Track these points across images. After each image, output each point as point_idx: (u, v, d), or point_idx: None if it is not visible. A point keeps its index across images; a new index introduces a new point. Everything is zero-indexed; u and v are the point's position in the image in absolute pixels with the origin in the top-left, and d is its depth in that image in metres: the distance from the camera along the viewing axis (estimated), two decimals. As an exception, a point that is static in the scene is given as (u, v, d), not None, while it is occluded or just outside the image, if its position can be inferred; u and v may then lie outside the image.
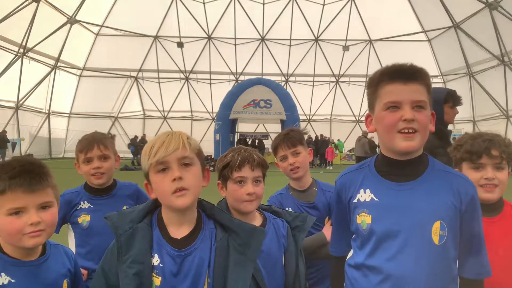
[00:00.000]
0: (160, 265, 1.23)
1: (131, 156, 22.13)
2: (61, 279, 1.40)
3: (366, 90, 1.42)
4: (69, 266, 1.47)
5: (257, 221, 1.67)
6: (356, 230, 1.41)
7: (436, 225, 1.26)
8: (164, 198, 1.27)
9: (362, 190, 1.39)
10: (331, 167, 21.69)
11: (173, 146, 1.25)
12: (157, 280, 1.22)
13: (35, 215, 1.29)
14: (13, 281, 1.28)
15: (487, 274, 1.34)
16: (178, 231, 1.29)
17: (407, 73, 1.29)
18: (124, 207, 2.08)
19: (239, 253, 1.29)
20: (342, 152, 25.41)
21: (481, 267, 1.34)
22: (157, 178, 1.26)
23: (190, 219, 1.31)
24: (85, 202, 2.11)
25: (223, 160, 1.69)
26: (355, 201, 1.40)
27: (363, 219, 1.36)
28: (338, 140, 26.51)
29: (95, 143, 2.09)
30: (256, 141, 26.34)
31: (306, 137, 2.32)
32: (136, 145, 22.01)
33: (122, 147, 23.14)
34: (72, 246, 2.10)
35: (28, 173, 1.30)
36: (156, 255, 1.24)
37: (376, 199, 1.35)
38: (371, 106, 1.39)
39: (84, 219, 2.08)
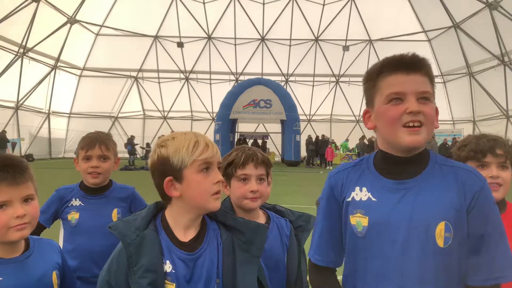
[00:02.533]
0: (173, 271, 1.20)
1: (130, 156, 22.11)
2: (49, 272, 1.40)
3: (363, 85, 1.31)
4: (56, 258, 1.47)
5: (260, 220, 1.67)
6: (349, 235, 1.26)
7: (441, 226, 1.14)
8: (201, 198, 1.23)
9: (357, 188, 1.26)
10: (331, 167, 21.69)
11: (216, 149, 1.26)
12: (170, 287, 1.19)
13: (21, 208, 1.29)
14: (0, 279, 1.28)
15: (505, 278, 1.14)
16: (185, 234, 1.26)
17: (409, 63, 1.19)
18: (115, 210, 2.10)
19: (244, 251, 1.29)
20: (350, 152, 25.36)
21: (498, 270, 1.14)
22: (199, 177, 1.22)
23: (198, 222, 1.29)
24: (77, 199, 2.11)
25: (227, 159, 1.69)
26: (349, 199, 1.26)
27: (359, 221, 1.22)
28: (346, 140, 26.42)
29: (97, 142, 2.08)
30: (260, 141, 26.36)
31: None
32: (133, 144, 22.02)
33: (122, 147, 23.16)
34: (61, 242, 2.09)
35: (11, 166, 1.30)
36: (167, 261, 1.20)
37: (373, 199, 1.22)
38: (370, 101, 1.28)
39: (73, 216, 2.07)
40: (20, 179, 1.31)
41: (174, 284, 1.19)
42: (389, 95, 1.19)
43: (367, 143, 22.54)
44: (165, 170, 1.24)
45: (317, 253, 1.33)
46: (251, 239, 1.29)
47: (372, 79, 1.25)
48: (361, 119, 1.38)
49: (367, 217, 1.20)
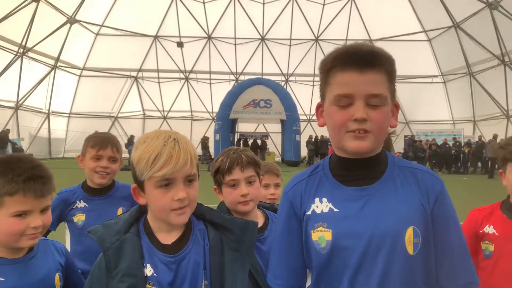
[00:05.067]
0: (154, 274, 1.16)
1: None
2: (52, 274, 1.40)
3: (319, 75, 1.19)
4: (60, 260, 1.46)
5: (259, 220, 1.66)
6: (311, 253, 1.13)
7: (409, 232, 1.05)
8: (161, 214, 1.18)
9: (317, 200, 1.14)
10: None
11: (181, 162, 1.13)
12: None
13: (39, 219, 1.30)
14: (1, 279, 1.27)
15: (476, 282, 1.10)
16: (168, 237, 1.22)
17: (363, 59, 1.05)
18: (120, 209, 2.10)
19: (233, 250, 1.24)
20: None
21: (469, 274, 1.10)
22: (157, 193, 1.16)
23: (180, 224, 1.24)
24: (81, 201, 2.10)
25: (214, 165, 1.67)
26: (309, 213, 1.14)
27: (321, 235, 1.10)
28: None
29: (109, 143, 2.09)
30: (259, 141, 26.35)
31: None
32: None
33: (122, 147, 23.10)
34: (68, 244, 2.10)
35: (41, 178, 1.30)
36: (148, 265, 1.16)
37: (335, 209, 1.11)
38: (322, 94, 1.17)
39: (79, 218, 2.07)
40: (48, 191, 1.32)
41: None
42: (337, 97, 1.08)
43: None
44: (133, 176, 1.22)
45: (276, 277, 1.22)
46: (240, 237, 1.25)
47: (325, 71, 1.14)
48: None
49: (330, 230, 1.10)
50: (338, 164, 1.17)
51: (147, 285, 1.15)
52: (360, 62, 1.05)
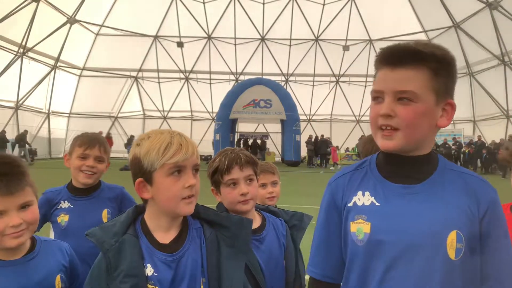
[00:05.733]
0: (155, 274, 1.17)
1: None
2: (52, 275, 1.38)
3: None
4: (63, 261, 1.44)
5: (256, 221, 1.66)
6: (348, 244, 1.14)
7: (452, 236, 1.02)
8: (170, 202, 1.20)
9: (360, 193, 1.15)
10: (338, 167, 21.70)
11: (190, 150, 1.20)
12: None
13: (16, 217, 1.26)
14: None
15: None
16: (166, 236, 1.23)
17: (396, 56, 1.06)
18: (105, 210, 2.08)
19: (229, 246, 1.26)
20: (349, 152, 25.35)
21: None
22: (169, 181, 1.18)
23: (178, 222, 1.26)
24: (66, 201, 2.07)
25: (211, 166, 1.66)
26: (350, 204, 1.15)
27: (360, 227, 1.10)
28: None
29: (97, 143, 2.07)
30: (259, 140, 26.37)
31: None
32: (133, 144, 21.98)
33: (121, 147, 23.15)
34: None
35: (5, 175, 1.25)
36: (148, 265, 1.18)
37: (377, 204, 1.10)
38: None
39: (62, 219, 2.04)
40: (15, 188, 1.26)
41: (157, 287, 1.17)
42: (371, 93, 1.12)
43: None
44: (137, 170, 1.22)
45: (313, 265, 1.22)
46: (236, 233, 1.27)
47: (375, 68, 1.16)
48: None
49: (369, 223, 1.09)
50: (384, 160, 1.16)
51: (148, 285, 1.17)
52: (392, 60, 1.07)
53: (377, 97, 1.10)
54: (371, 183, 1.15)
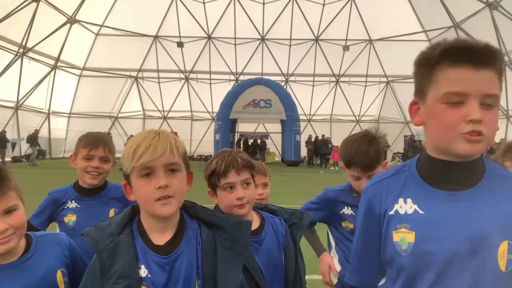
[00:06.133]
0: (149, 275, 1.16)
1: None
2: (52, 272, 1.36)
3: (415, 70, 1.08)
4: (62, 254, 1.42)
5: (255, 222, 1.64)
6: (390, 254, 1.08)
7: (503, 246, 0.96)
8: (146, 205, 1.19)
9: (401, 200, 1.08)
10: (336, 167, 21.69)
11: (160, 150, 1.15)
12: None
13: (1, 223, 1.23)
14: None
15: None
16: (161, 238, 1.21)
17: (481, 55, 0.96)
18: (112, 210, 2.08)
19: (226, 248, 1.24)
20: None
21: None
22: (140, 183, 1.17)
23: (173, 223, 1.24)
24: (73, 201, 2.08)
25: (208, 168, 1.64)
26: (391, 213, 1.08)
27: (403, 237, 1.04)
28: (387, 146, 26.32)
29: (101, 143, 2.06)
30: (259, 140, 26.35)
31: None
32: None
33: (121, 147, 23.08)
34: None
35: None
36: (143, 266, 1.17)
37: (421, 212, 1.04)
38: (421, 91, 1.06)
39: (70, 218, 2.05)
40: None
41: None
42: (448, 94, 0.98)
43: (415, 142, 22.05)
44: (123, 173, 1.24)
45: (351, 272, 1.23)
46: (234, 236, 1.25)
47: (429, 65, 1.02)
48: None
49: (413, 233, 1.03)
50: (429, 165, 1.08)
51: (142, 286, 1.15)
52: (476, 59, 0.97)
53: (456, 100, 0.97)
54: (412, 189, 1.08)
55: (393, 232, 1.07)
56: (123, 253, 1.16)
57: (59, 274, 1.37)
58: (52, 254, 1.40)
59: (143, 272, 1.17)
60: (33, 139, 20.41)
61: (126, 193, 1.24)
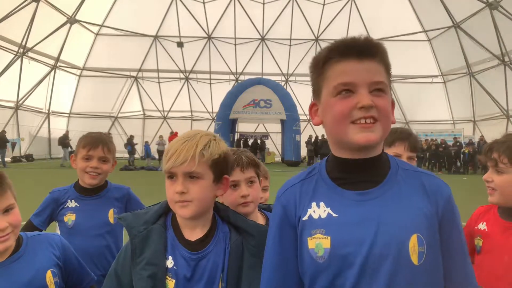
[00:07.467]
0: (174, 267, 1.21)
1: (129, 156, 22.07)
2: (42, 272, 1.36)
3: (310, 74, 1.11)
4: (54, 254, 1.42)
5: (260, 222, 1.64)
6: (307, 263, 1.03)
7: (413, 240, 0.98)
8: (170, 204, 1.27)
9: (314, 204, 1.05)
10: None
11: (181, 159, 1.20)
12: (170, 283, 1.20)
13: (2, 221, 1.26)
14: None
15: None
16: (192, 234, 1.27)
17: (362, 48, 1.04)
18: (111, 210, 2.09)
19: (253, 255, 1.26)
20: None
21: (470, 284, 1.05)
22: (167, 183, 1.26)
23: (203, 222, 1.29)
24: (73, 201, 2.09)
25: None
26: (305, 218, 1.04)
27: (318, 243, 1.01)
28: None
29: (100, 143, 2.06)
30: (259, 140, 26.36)
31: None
32: (133, 144, 22.01)
33: (121, 147, 23.12)
34: None
35: None
36: (170, 257, 1.22)
37: (334, 215, 1.02)
38: (317, 92, 1.09)
39: (69, 218, 2.05)
40: None
41: (174, 281, 1.20)
42: (337, 86, 1.01)
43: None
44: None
45: None
46: (261, 243, 1.24)
47: (319, 66, 1.07)
48: None
49: (328, 237, 1.00)
50: (336, 165, 1.08)
51: (167, 276, 1.21)
52: (358, 51, 1.03)
53: (345, 90, 1.01)
54: (324, 192, 1.06)
55: (308, 238, 1.03)
56: (154, 241, 1.22)
57: (49, 274, 1.37)
58: (42, 254, 1.40)
59: (170, 263, 1.22)
60: (64, 140, 20.72)
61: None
